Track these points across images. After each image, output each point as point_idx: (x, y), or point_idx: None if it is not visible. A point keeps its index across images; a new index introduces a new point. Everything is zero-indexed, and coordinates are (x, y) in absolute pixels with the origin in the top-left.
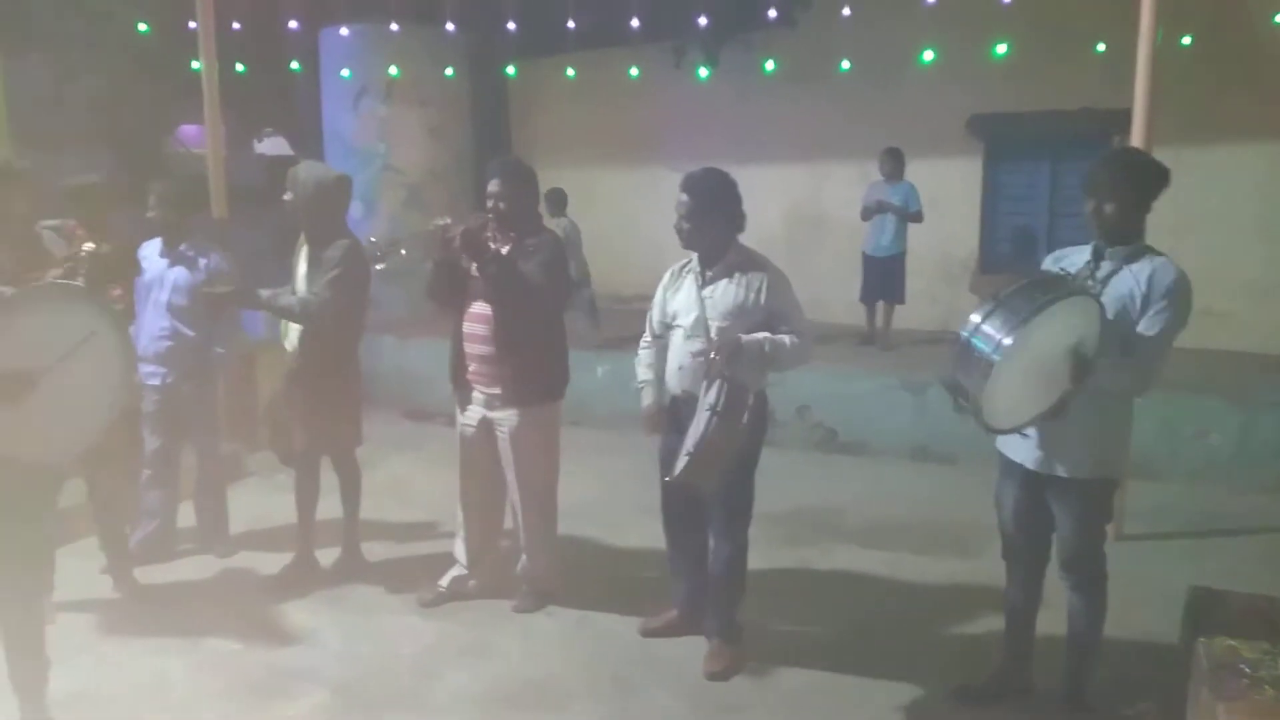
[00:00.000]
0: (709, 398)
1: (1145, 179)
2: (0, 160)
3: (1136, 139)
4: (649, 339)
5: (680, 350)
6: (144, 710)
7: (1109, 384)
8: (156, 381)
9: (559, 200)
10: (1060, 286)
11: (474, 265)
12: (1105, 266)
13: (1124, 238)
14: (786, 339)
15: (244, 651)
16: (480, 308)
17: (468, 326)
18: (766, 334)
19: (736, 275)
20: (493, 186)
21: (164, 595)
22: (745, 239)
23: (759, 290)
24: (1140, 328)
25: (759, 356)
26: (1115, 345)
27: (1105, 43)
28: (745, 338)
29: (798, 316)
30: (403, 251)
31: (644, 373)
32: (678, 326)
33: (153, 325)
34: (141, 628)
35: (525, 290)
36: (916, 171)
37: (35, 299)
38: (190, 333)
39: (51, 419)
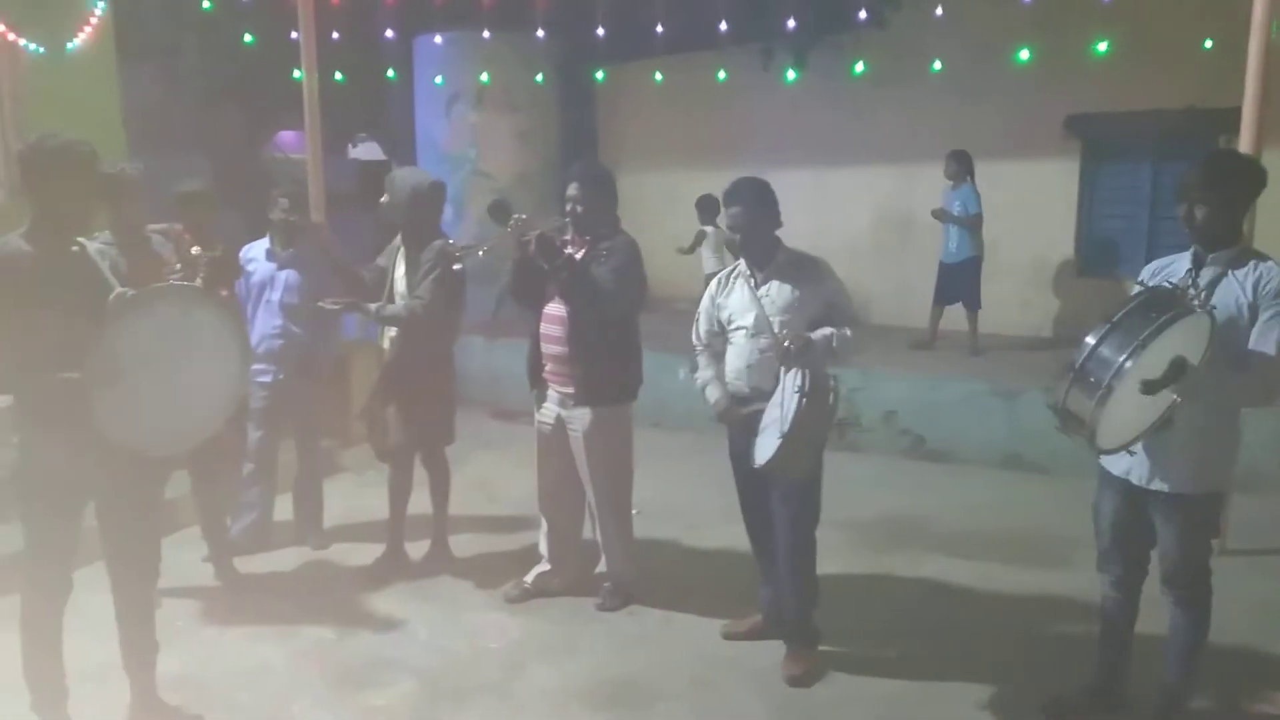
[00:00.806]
0: (795, 383)
1: (1239, 181)
2: (116, 167)
3: (1245, 138)
4: (699, 346)
5: (745, 349)
6: (243, 694)
7: (1238, 400)
8: (267, 379)
9: (710, 208)
10: (1175, 304)
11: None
12: (1207, 274)
13: (1220, 241)
14: (848, 332)
15: (337, 641)
16: (556, 308)
17: (544, 327)
18: (832, 330)
19: (790, 273)
20: (571, 190)
21: (262, 585)
22: (832, 241)
23: (813, 285)
24: (1253, 342)
25: (826, 352)
26: (1226, 355)
27: (1212, 39)
28: (814, 335)
29: (850, 308)
30: (480, 253)
31: (705, 371)
32: (739, 328)
33: (265, 324)
34: (240, 615)
35: (596, 294)
36: (1010, 173)
37: (157, 299)
38: (299, 331)
39: (170, 413)
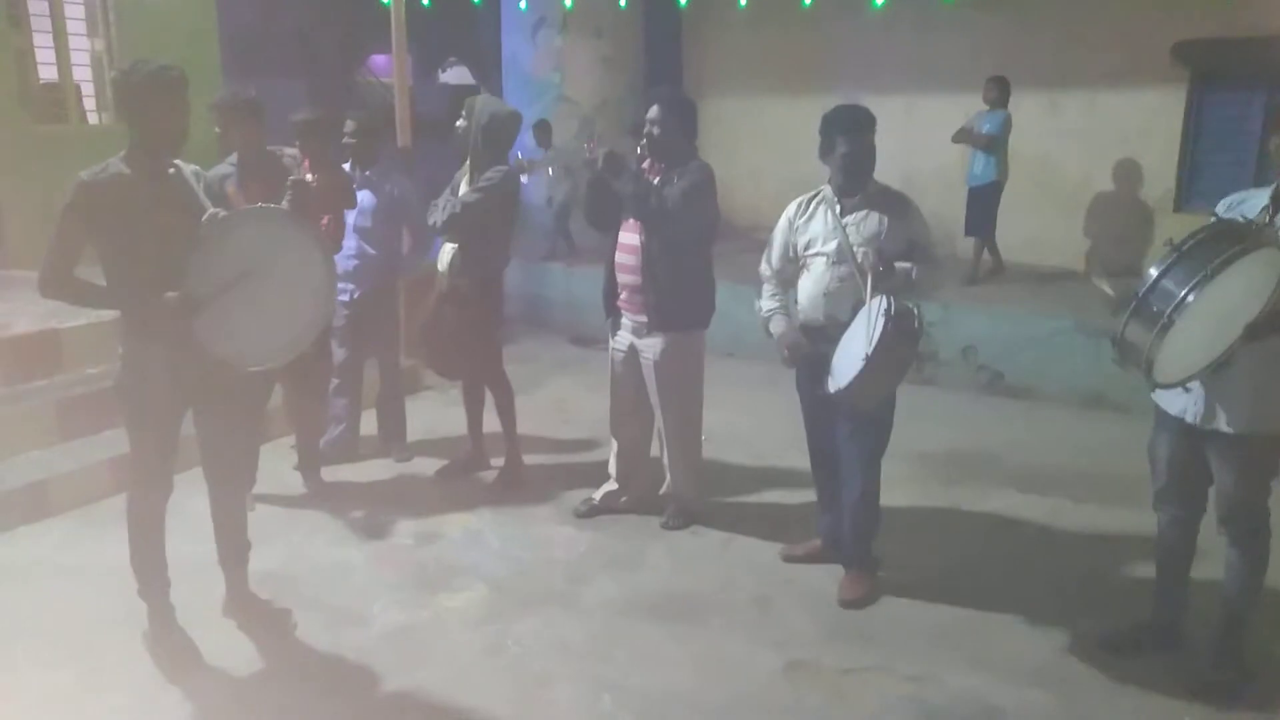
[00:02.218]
0: (880, 307)
1: None
2: (247, 95)
3: None
4: (769, 271)
5: (825, 277)
6: (327, 591)
7: None
8: (345, 298)
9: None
10: (1244, 237)
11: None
12: None
13: None
14: (923, 268)
15: (415, 546)
16: (629, 236)
17: (619, 255)
18: (911, 264)
19: (877, 205)
20: (651, 113)
21: (346, 493)
22: (924, 168)
23: (900, 220)
24: None
25: (905, 282)
26: None
27: None
28: (897, 265)
29: (932, 249)
30: (549, 170)
31: (770, 302)
32: (819, 255)
33: (343, 245)
34: (326, 521)
35: (662, 214)
36: (1113, 103)
37: (246, 221)
38: (374, 252)
39: (260, 329)
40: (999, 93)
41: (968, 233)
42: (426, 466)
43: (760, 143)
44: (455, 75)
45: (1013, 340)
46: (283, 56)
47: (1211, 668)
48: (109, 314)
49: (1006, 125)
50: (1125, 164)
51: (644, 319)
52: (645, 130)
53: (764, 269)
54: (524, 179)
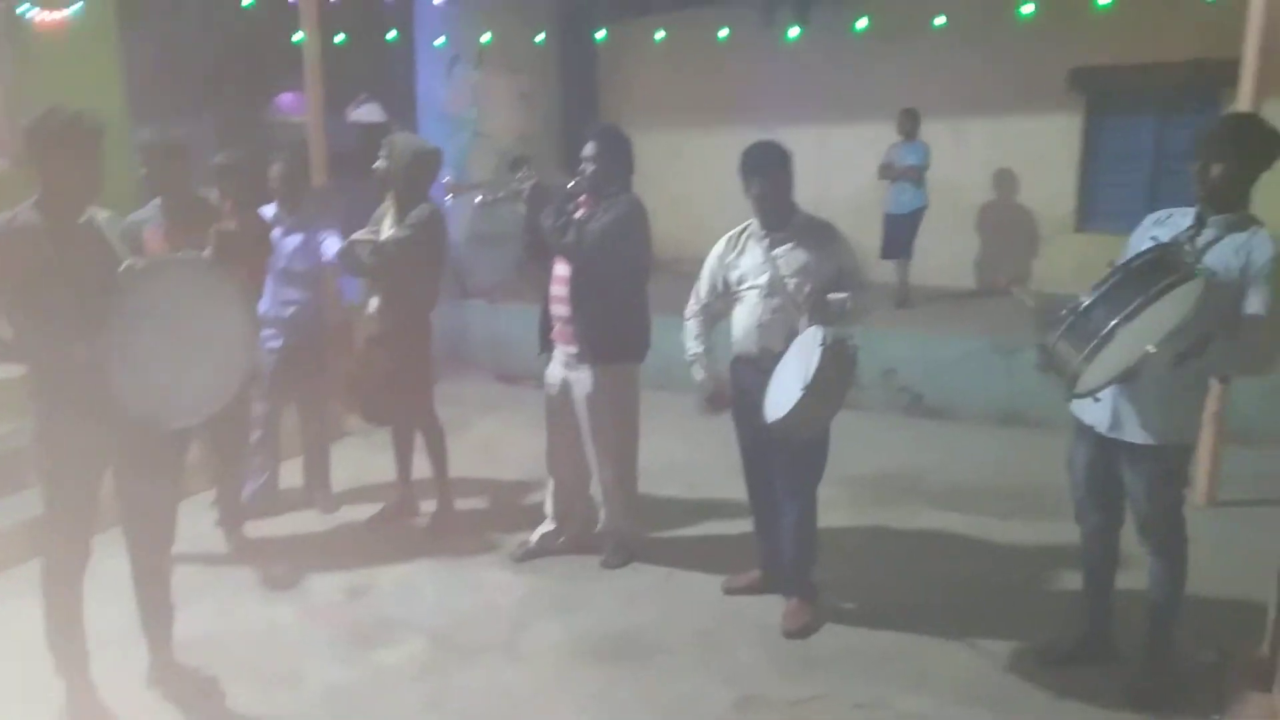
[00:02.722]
0: (816, 338)
1: (1259, 145)
2: (159, 136)
3: (1245, 91)
4: (696, 307)
5: (757, 308)
6: (256, 654)
7: (1223, 367)
8: (276, 344)
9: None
10: (1179, 267)
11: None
12: (1207, 234)
13: (1227, 204)
14: (860, 294)
15: (347, 601)
16: (562, 267)
17: (553, 287)
18: (845, 294)
19: (805, 236)
20: (586, 150)
21: (272, 548)
22: (837, 198)
23: (827, 249)
24: (1249, 309)
25: (840, 312)
26: (1210, 320)
27: None
28: (831, 296)
29: (861, 274)
30: (478, 199)
31: (695, 345)
32: (751, 288)
33: (272, 292)
34: (252, 578)
35: (580, 248)
36: (1013, 129)
37: (165, 271)
38: (302, 297)
39: (181, 383)
40: (911, 124)
41: (885, 256)
42: (354, 516)
43: (679, 175)
44: (366, 112)
45: (931, 362)
46: (187, 97)
47: (1142, 675)
48: (15, 369)
49: (929, 154)
50: (1027, 188)
51: (574, 350)
52: (581, 167)
53: (690, 306)
54: (449, 200)
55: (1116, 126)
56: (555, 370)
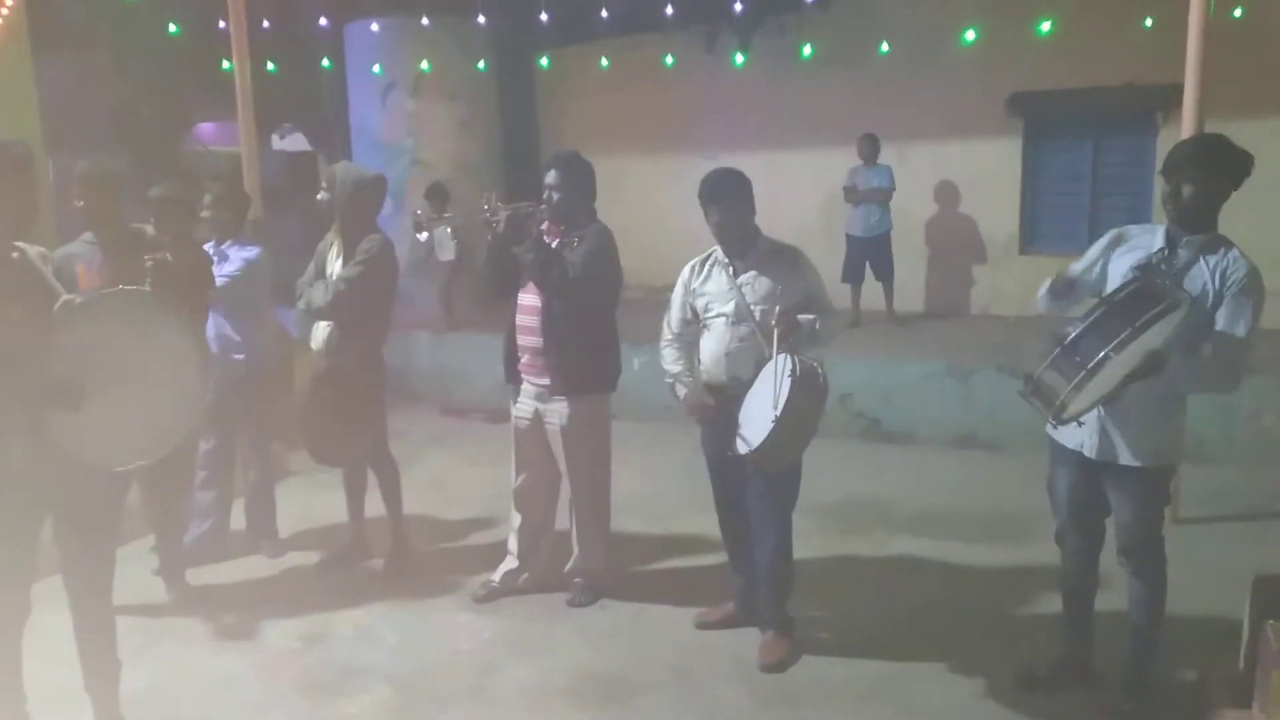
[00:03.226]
0: (785, 367)
1: (1229, 166)
2: (98, 166)
3: (1188, 114)
4: (670, 337)
5: (725, 337)
6: (208, 709)
7: (1195, 386)
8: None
9: (441, 197)
10: (1164, 297)
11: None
12: (1182, 255)
13: (1198, 225)
14: (828, 318)
15: (304, 649)
16: (530, 299)
17: (519, 318)
18: (814, 315)
19: (769, 262)
20: (549, 178)
21: (218, 596)
22: (783, 223)
23: (792, 274)
24: (1221, 326)
25: (810, 335)
26: (1188, 341)
27: (1153, 17)
28: (800, 317)
29: (826, 297)
30: (449, 230)
31: (674, 364)
32: (718, 316)
33: (211, 326)
34: (199, 629)
35: (565, 280)
36: (955, 153)
37: (105, 306)
38: (237, 334)
39: (126, 424)
40: (872, 149)
41: (846, 279)
42: (303, 560)
43: (622, 202)
44: (291, 142)
45: (887, 386)
46: (104, 128)
47: (1123, 697)
48: None
49: (893, 178)
50: (971, 211)
51: (546, 382)
52: (546, 195)
53: (665, 333)
54: (421, 237)
55: (1055, 150)
56: (525, 404)
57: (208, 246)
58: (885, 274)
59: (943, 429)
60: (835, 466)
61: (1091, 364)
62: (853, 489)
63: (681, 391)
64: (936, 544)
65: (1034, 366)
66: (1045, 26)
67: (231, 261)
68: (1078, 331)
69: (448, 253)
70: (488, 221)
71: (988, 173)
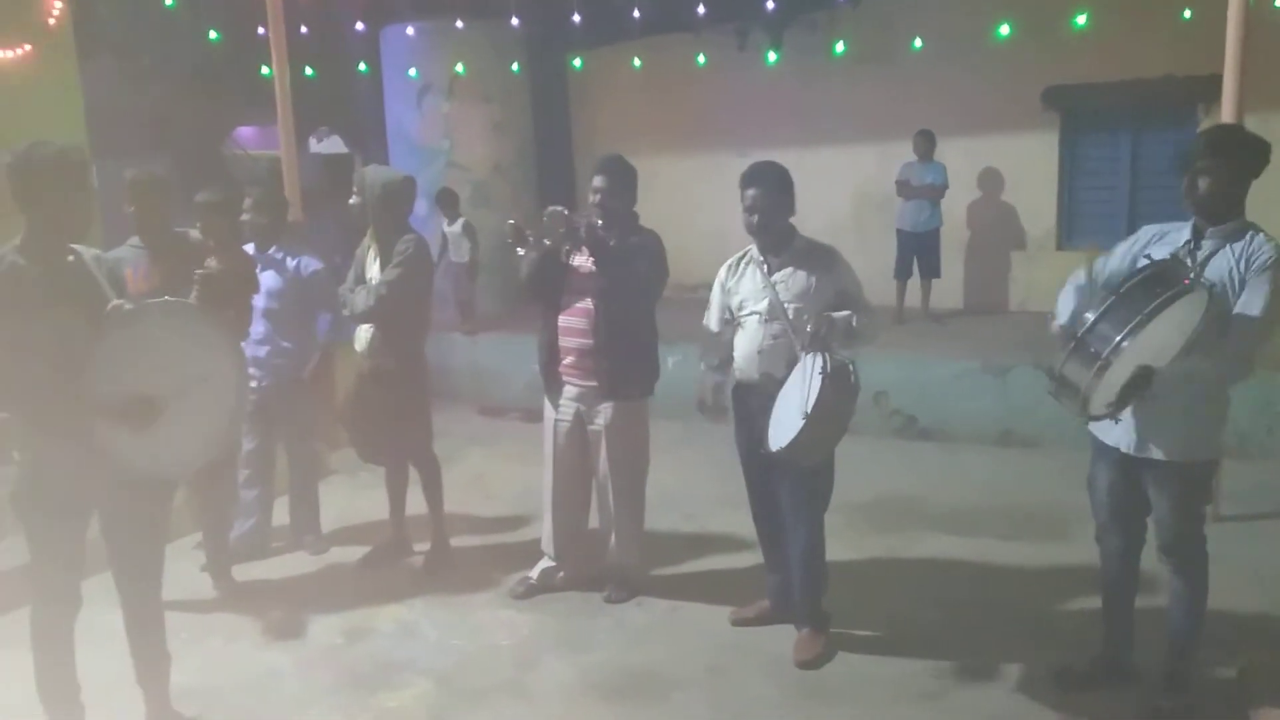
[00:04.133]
0: (816, 365)
1: (1243, 154)
2: (147, 172)
3: (1227, 106)
4: (709, 335)
5: (758, 334)
6: (255, 703)
7: (1207, 372)
8: (254, 384)
9: (451, 201)
10: (1177, 282)
11: (577, 258)
12: (1206, 246)
13: (1221, 215)
14: (865, 316)
15: (345, 645)
16: (580, 301)
17: (565, 320)
18: (849, 311)
19: (804, 261)
20: (598, 182)
21: (263, 591)
22: (814, 220)
23: (827, 273)
24: (1238, 308)
25: (846, 332)
26: (1215, 330)
27: (1191, 8)
28: (834, 315)
29: (862, 296)
30: (459, 231)
31: (709, 357)
32: (751, 314)
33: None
34: (245, 624)
35: (636, 286)
36: (990, 148)
37: (152, 314)
38: (285, 338)
39: (175, 431)
40: (927, 145)
41: (898, 275)
42: (345, 556)
43: (655, 201)
44: (329, 145)
45: (922, 384)
46: (146, 133)
47: (1163, 696)
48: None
49: (946, 174)
50: (1008, 206)
51: (594, 384)
52: (596, 199)
53: (705, 332)
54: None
55: (1093, 143)
56: (567, 405)
57: (248, 249)
58: (932, 271)
59: (979, 426)
60: (871, 464)
61: (1108, 350)
62: (888, 487)
63: (707, 387)
64: (972, 541)
65: (1055, 362)
66: (1080, 20)
67: (288, 273)
68: (1092, 321)
69: (462, 254)
70: (563, 231)
71: (1024, 167)
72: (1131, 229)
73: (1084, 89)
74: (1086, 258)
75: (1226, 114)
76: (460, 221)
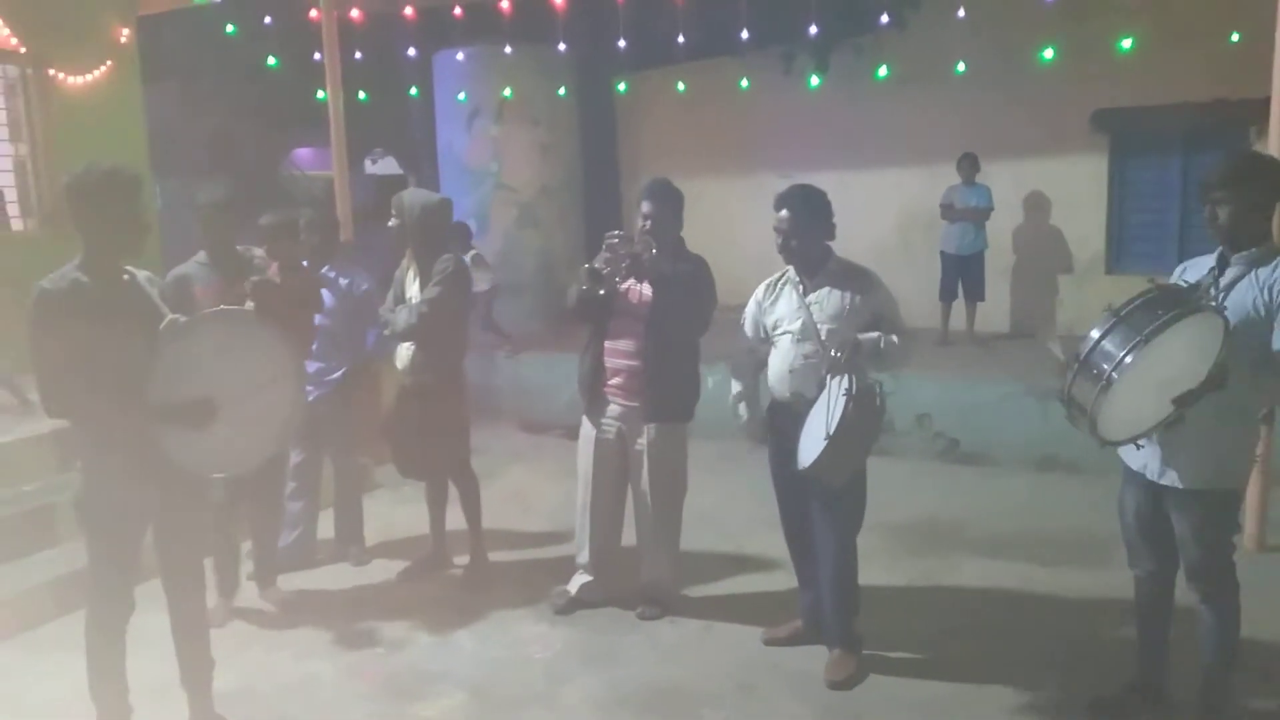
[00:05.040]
0: (841, 386)
1: (1261, 182)
2: (214, 195)
3: (1275, 130)
4: (744, 354)
5: (790, 354)
6: (295, 709)
7: (1262, 400)
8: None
9: (464, 235)
10: (1182, 302)
11: (628, 283)
12: (1230, 273)
13: (1245, 242)
14: (895, 338)
15: (385, 654)
16: (631, 325)
17: (612, 342)
18: (879, 333)
19: (840, 282)
20: (645, 207)
21: (307, 601)
22: (859, 243)
23: (862, 295)
24: (1276, 341)
25: (873, 353)
26: (1243, 357)
27: (1240, 32)
28: (861, 336)
29: (898, 318)
30: (470, 259)
31: (735, 385)
32: (785, 333)
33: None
34: (289, 632)
35: (689, 314)
36: (1038, 171)
37: (208, 325)
38: (336, 351)
39: (228, 435)
40: (970, 169)
41: (944, 298)
42: (387, 569)
43: (699, 222)
44: (383, 166)
45: (965, 407)
46: (205, 153)
47: None
48: (42, 428)
49: (991, 197)
50: (1055, 230)
51: (637, 405)
52: (644, 224)
53: (739, 351)
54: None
55: (1143, 167)
56: (609, 424)
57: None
58: (976, 294)
59: (1023, 450)
60: (912, 487)
61: (1110, 370)
62: (929, 509)
63: (743, 414)
64: (1011, 566)
65: (1064, 386)
66: (1127, 43)
67: (341, 291)
68: (1095, 341)
69: (483, 282)
70: (626, 256)
71: (1072, 190)
72: (1182, 252)
73: (1134, 112)
74: (1136, 282)
75: (1274, 137)
76: (472, 254)
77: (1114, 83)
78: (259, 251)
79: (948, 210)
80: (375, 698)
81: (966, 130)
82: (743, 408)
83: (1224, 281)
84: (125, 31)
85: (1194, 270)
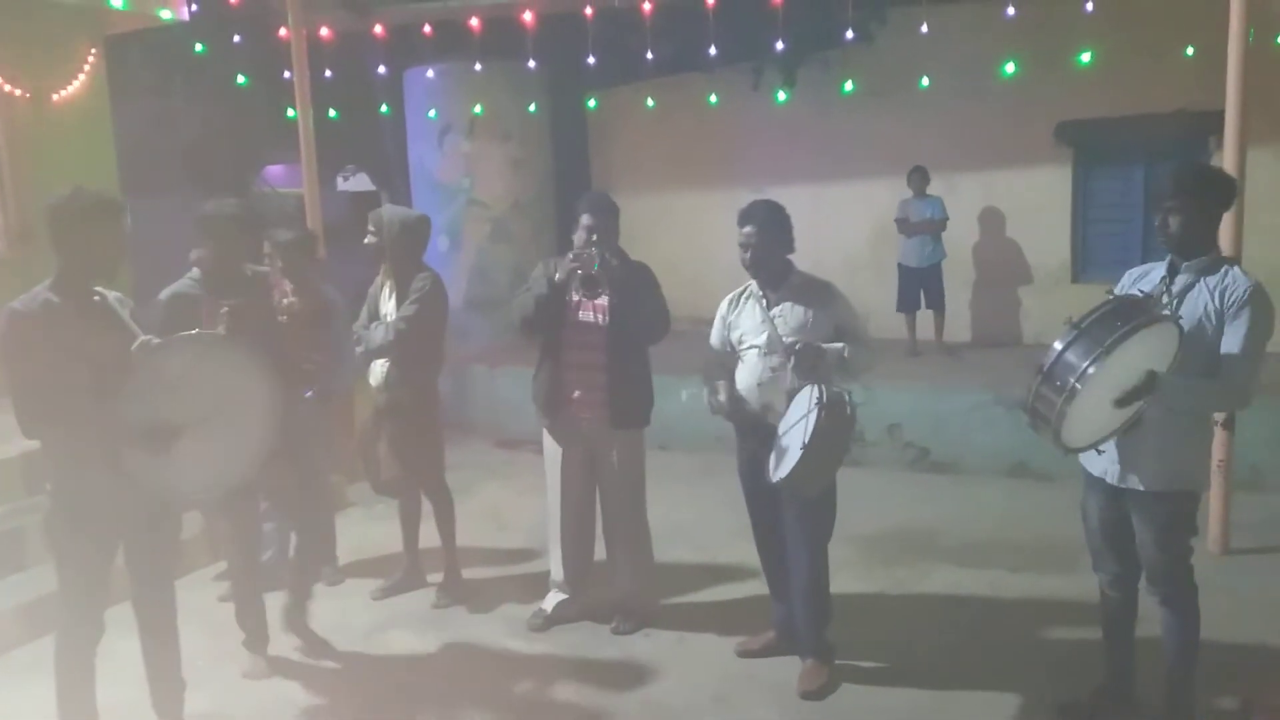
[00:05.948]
0: (811, 397)
1: (1208, 191)
2: (231, 208)
3: (1230, 141)
4: (714, 351)
5: (757, 368)
6: None
7: (1203, 407)
8: None
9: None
10: (1139, 313)
11: (584, 293)
12: (1180, 281)
13: (1193, 251)
14: (860, 349)
15: (358, 674)
16: (585, 334)
17: (573, 355)
18: (842, 344)
19: (801, 296)
20: (586, 220)
21: (278, 622)
22: (831, 255)
23: (824, 308)
24: (1224, 347)
25: (837, 362)
26: (1196, 364)
27: (1194, 45)
28: (825, 345)
29: (860, 328)
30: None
31: (713, 374)
32: (751, 348)
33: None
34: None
35: (648, 320)
36: (1003, 183)
37: (180, 348)
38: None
39: (196, 459)
40: (921, 181)
41: (901, 309)
42: (360, 588)
43: (669, 236)
44: (355, 183)
45: (935, 416)
46: (176, 172)
47: None
48: (10, 451)
49: (944, 208)
50: (1020, 240)
51: (603, 416)
52: (589, 237)
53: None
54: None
55: (1106, 177)
56: (576, 438)
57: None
58: (937, 304)
59: (992, 458)
60: (883, 496)
61: (1072, 381)
62: (900, 519)
63: (720, 394)
64: (981, 574)
65: (1026, 397)
66: (1085, 57)
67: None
68: (1056, 355)
69: None
70: (577, 267)
71: (1038, 201)
72: (1146, 261)
73: (1097, 124)
74: (1101, 291)
75: (1229, 149)
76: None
77: (1077, 95)
78: (263, 269)
79: (903, 224)
80: (348, 716)
81: (933, 143)
82: (720, 385)
83: (1175, 289)
84: (94, 50)
85: (1142, 278)
